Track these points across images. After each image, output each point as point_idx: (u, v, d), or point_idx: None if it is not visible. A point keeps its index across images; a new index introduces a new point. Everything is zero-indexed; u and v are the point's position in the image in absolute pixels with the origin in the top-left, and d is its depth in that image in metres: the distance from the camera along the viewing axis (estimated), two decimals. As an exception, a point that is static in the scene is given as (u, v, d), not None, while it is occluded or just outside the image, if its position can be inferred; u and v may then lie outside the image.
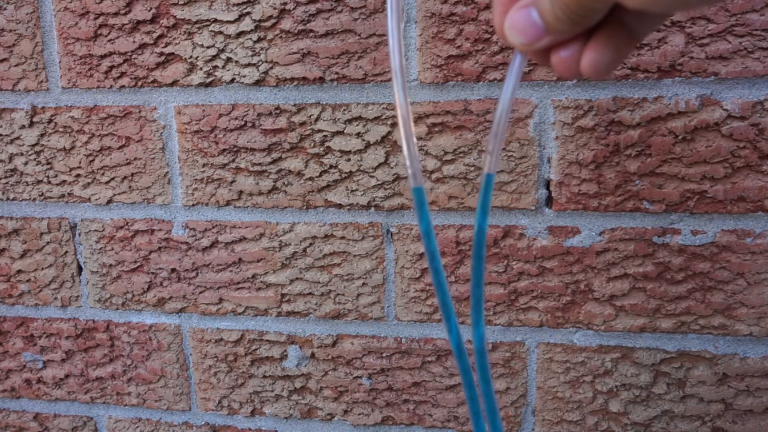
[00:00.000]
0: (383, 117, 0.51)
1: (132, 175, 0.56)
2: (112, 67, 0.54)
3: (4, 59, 0.55)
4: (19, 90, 0.56)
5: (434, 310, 0.54)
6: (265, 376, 0.58)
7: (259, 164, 0.53)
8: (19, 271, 0.60)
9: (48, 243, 0.58)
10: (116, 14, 0.52)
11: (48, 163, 0.57)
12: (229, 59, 0.52)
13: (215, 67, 0.52)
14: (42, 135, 0.56)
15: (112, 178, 0.56)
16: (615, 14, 0.25)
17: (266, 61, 0.51)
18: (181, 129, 0.54)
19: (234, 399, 0.59)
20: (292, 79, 0.51)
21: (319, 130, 0.52)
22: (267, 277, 0.55)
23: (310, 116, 0.52)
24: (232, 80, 0.52)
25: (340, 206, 0.53)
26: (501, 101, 0.30)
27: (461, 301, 0.53)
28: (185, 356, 0.59)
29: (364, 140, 0.51)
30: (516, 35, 0.27)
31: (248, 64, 0.51)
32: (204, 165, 0.54)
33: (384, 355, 0.55)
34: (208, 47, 0.52)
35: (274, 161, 0.53)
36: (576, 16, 0.25)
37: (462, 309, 0.53)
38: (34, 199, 0.58)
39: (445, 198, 0.51)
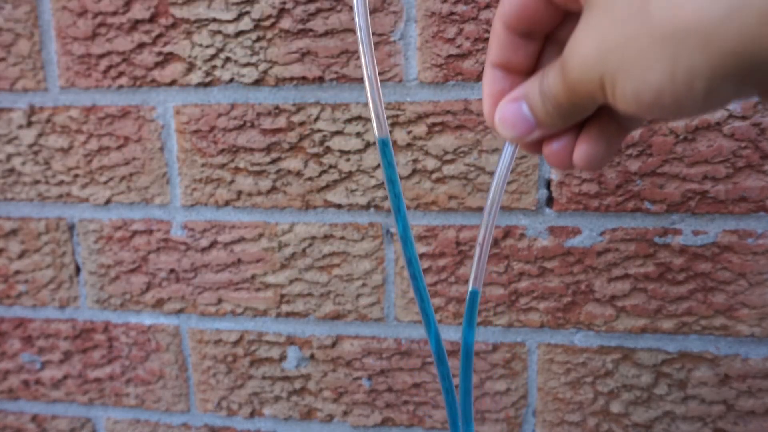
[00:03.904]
0: (383, 117, 0.50)
1: (130, 175, 0.55)
2: (110, 67, 0.53)
3: (2, 59, 0.55)
4: (17, 90, 0.55)
5: (434, 311, 0.53)
6: (264, 377, 0.57)
7: (259, 164, 0.53)
8: (17, 272, 0.59)
9: (46, 243, 0.58)
10: (115, 13, 0.52)
11: (46, 163, 0.56)
12: (228, 59, 0.51)
13: (214, 66, 0.52)
14: (40, 135, 0.56)
15: (111, 178, 0.56)
16: (605, 107, 0.25)
17: (265, 61, 0.51)
18: (179, 129, 0.54)
19: (233, 400, 0.59)
20: (292, 79, 0.51)
21: (319, 130, 0.51)
22: (266, 278, 0.55)
23: (310, 116, 0.51)
24: (231, 80, 0.52)
25: (339, 206, 0.53)
26: (490, 196, 0.31)
27: (461, 301, 0.53)
28: (184, 357, 0.59)
29: (363, 140, 0.51)
30: (507, 129, 0.27)
31: (247, 64, 0.51)
32: (203, 165, 0.54)
33: (384, 356, 0.55)
34: (207, 47, 0.51)
35: (273, 161, 0.53)
36: (566, 112, 0.25)
37: (462, 310, 0.53)
38: (32, 200, 0.58)
39: (446, 198, 0.51)
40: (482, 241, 0.31)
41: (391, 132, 0.51)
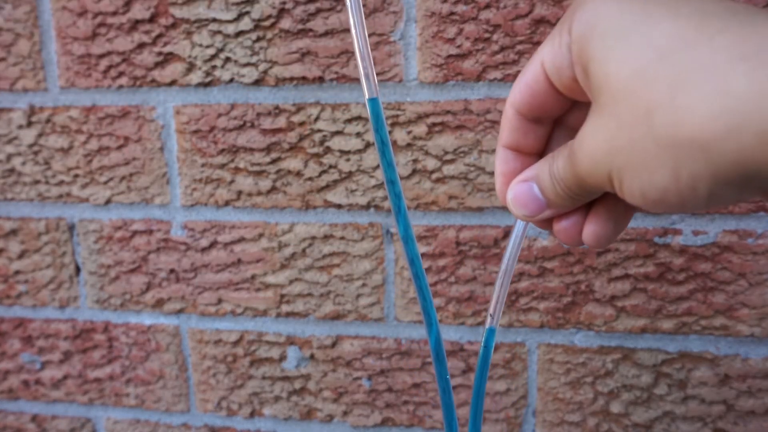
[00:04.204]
0: (383, 117, 0.50)
1: (130, 175, 0.55)
2: (110, 67, 0.53)
3: (2, 59, 0.55)
4: (17, 90, 0.55)
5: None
6: (264, 377, 0.57)
7: (258, 164, 0.53)
8: (17, 272, 0.59)
9: (46, 243, 0.58)
10: (114, 13, 0.52)
11: (46, 163, 0.56)
12: (228, 59, 0.51)
13: (214, 66, 0.52)
14: (40, 135, 0.56)
15: (111, 178, 0.56)
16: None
17: (265, 61, 0.51)
18: (179, 129, 0.54)
19: (233, 400, 0.59)
20: (292, 79, 0.51)
21: (319, 130, 0.51)
22: (266, 278, 0.55)
23: (310, 116, 0.51)
24: (231, 80, 0.52)
25: (339, 206, 0.53)
26: (503, 265, 0.33)
27: (462, 301, 0.53)
28: (184, 357, 0.59)
29: (363, 140, 0.51)
30: (518, 208, 0.28)
31: (247, 64, 0.51)
32: (203, 165, 0.54)
33: (384, 356, 0.55)
34: (206, 47, 0.51)
35: (273, 161, 0.53)
36: (575, 195, 0.26)
37: (462, 310, 0.53)
38: (32, 200, 0.58)
39: (446, 198, 0.51)
40: (493, 311, 0.34)
41: (391, 132, 0.51)
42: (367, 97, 0.31)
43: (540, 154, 0.30)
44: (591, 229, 0.28)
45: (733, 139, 0.19)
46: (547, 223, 0.29)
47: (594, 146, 0.23)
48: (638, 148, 0.21)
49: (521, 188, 0.28)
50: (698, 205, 0.21)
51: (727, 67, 0.19)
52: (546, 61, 0.26)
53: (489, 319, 0.34)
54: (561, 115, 0.29)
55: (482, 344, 0.33)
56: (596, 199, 0.27)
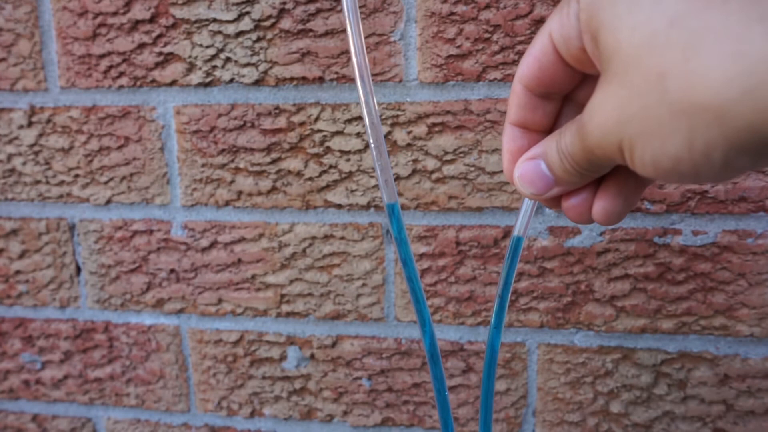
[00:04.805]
0: (383, 117, 0.50)
1: (131, 175, 0.55)
2: (110, 67, 0.53)
3: (3, 59, 0.55)
4: (18, 90, 0.55)
5: (434, 311, 0.53)
6: (264, 377, 0.57)
7: (259, 164, 0.53)
8: (18, 272, 0.59)
9: (46, 243, 0.58)
10: (115, 14, 0.52)
11: (46, 164, 0.56)
12: (228, 59, 0.51)
13: (214, 66, 0.52)
14: (40, 135, 0.56)
15: (111, 179, 0.56)
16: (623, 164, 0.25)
17: (265, 61, 0.51)
18: (180, 129, 0.54)
19: (233, 400, 0.59)
20: (292, 79, 0.51)
21: (319, 130, 0.52)
22: (266, 278, 0.55)
23: (310, 116, 0.51)
24: (232, 80, 0.52)
25: (339, 206, 0.53)
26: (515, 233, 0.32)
27: (461, 301, 0.53)
28: (184, 357, 0.59)
29: (363, 140, 0.51)
30: (526, 186, 0.28)
31: (247, 64, 0.51)
32: (203, 165, 0.54)
33: (384, 356, 0.55)
34: (207, 47, 0.51)
35: (273, 161, 0.53)
36: (584, 170, 0.25)
37: (462, 310, 0.53)
38: (33, 200, 0.58)
39: (445, 198, 0.51)
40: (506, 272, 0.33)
41: (390, 132, 0.51)
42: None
43: (548, 131, 0.29)
44: (600, 206, 0.27)
45: (749, 102, 0.18)
46: (555, 202, 0.28)
47: (604, 115, 0.23)
48: (650, 115, 0.21)
49: (528, 166, 0.28)
50: (712, 174, 0.21)
51: (742, 29, 0.18)
52: (554, 31, 0.25)
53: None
54: (569, 90, 0.28)
55: (488, 344, 0.33)
56: (605, 175, 0.27)
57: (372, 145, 0.31)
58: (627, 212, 0.27)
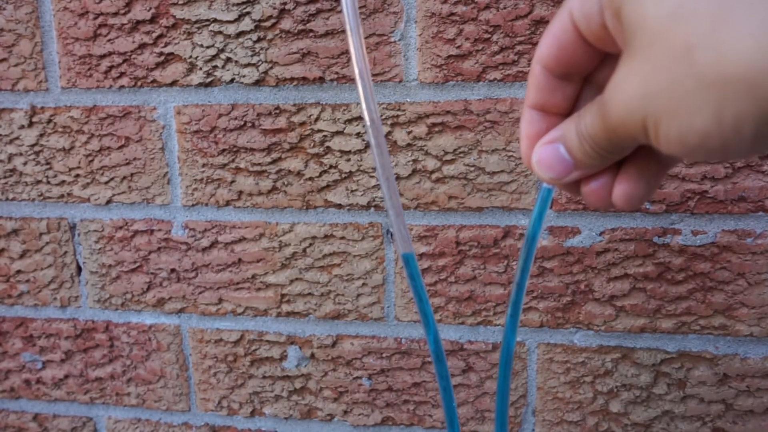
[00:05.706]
0: (383, 117, 0.51)
1: (131, 175, 0.55)
2: (111, 67, 0.54)
3: (4, 59, 0.55)
4: (19, 90, 0.55)
5: (435, 311, 0.54)
6: (264, 377, 0.58)
7: (259, 164, 0.53)
8: (19, 272, 0.60)
9: (47, 243, 0.58)
10: (116, 14, 0.52)
11: (47, 164, 0.57)
12: (228, 59, 0.52)
13: (215, 67, 0.52)
14: (41, 135, 0.56)
15: (112, 179, 0.56)
16: (644, 146, 0.24)
17: (266, 61, 0.51)
18: (180, 129, 0.54)
19: (234, 399, 0.59)
20: (292, 79, 0.51)
21: (319, 130, 0.52)
22: (267, 278, 0.55)
23: (310, 116, 0.51)
24: (232, 80, 0.52)
25: (340, 206, 0.53)
26: (529, 231, 0.32)
27: (461, 301, 0.53)
28: (185, 357, 0.59)
29: (364, 140, 0.51)
30: (545, 170, 0.27)
31: (248, 64, 0.51)
32: (203, 165, 0.54)
33: (384, 355, 0.55)
34: (207, 47, 0.52)
35: (273, 161, 0.53)
36: (605, 152, 0.25)
37: (462, 309, 0.53)
38: (34, 200, 0.58)
39: (445, 198, 0.51)
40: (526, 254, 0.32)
41: (391, 132, 0.51)
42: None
43: (567, 115, 0.28)
44: (621, 189, 0.26)
45: None
46: (574, 186, 0.28)
47: (628, 92, 0.22)
48: (677, 89, 0.20)
49: (547, 150, 0.27)
50: (740, 149, 0.20)
51: None
52: (574, 9, 0.25)
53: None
54: (589, 71, 0.27)
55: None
56: (626, 157, 0.26)
57: (372, 145, 0.31)
58: (648, 196, 0.26)
